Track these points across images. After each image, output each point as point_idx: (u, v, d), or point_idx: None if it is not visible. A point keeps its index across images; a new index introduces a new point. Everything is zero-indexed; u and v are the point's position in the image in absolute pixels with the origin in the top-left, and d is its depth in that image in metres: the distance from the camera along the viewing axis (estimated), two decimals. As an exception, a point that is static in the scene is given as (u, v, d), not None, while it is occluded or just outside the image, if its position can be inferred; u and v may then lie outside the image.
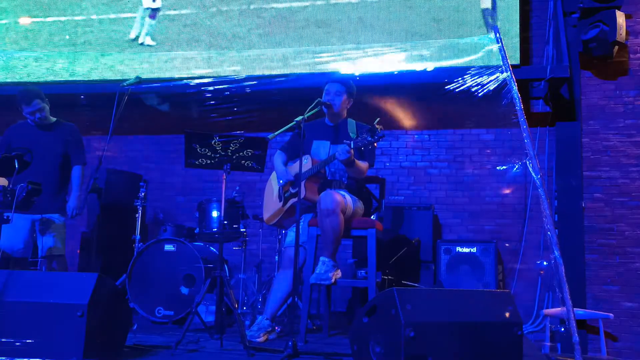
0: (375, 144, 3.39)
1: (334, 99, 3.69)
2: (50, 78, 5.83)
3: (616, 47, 4.97)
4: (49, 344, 2.51)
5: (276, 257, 4.84)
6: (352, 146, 3.33)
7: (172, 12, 5.70)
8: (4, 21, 6.04)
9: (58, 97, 5.65)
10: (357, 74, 5.15)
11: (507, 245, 5.21)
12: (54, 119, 4.22)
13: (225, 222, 4.10)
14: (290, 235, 3.70)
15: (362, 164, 3.56)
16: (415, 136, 5.61)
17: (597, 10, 4.93)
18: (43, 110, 4.11)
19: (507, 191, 5.29)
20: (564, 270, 2.51)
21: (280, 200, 3.78)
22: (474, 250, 4.76)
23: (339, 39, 5.34)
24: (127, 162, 6.08)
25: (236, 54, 5.54)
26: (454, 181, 5.46)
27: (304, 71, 5.33)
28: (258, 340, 3.38)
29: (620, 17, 4.85)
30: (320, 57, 5.33)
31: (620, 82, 5.19)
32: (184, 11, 5.69)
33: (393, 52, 5.21)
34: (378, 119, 3.29)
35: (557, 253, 2.54)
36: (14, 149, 3.93)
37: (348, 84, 3.75)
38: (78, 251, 5.45)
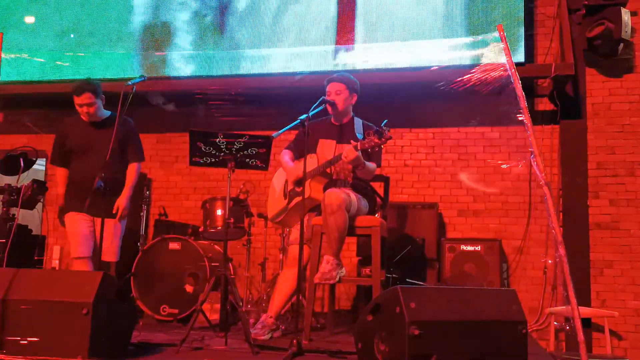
0: (382, 146, 3.38)
1: (336, 99, 3.69)
2: (56, 77, 5.85)
3: (621, 45, 4.95)
4: (54, 342, 2.52)
5: (280, 255, 4.85)
6: (358, 147, 3.33)
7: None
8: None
9: (63, 95, 5.70)
10: (360, 70, 5.15)
11: (511, 242, 5.20)
12: (108, 113, 4.04)
13: (230, 220, 4.11)
14: (295, 233, 3.70)
15: (371, 166, 3.56)
16: (420, 134, 5.60)
17: (602, 7, 4.90)
18: (92, 105, 3.90)
19: (512, 189, 5.28)
20: (568, 269, 2.51)
21: (285, 198, 3.78)
22: (478, 248, 4.75)
23: (344, 36, 5.34)
24: (132, 160, 6.10)
25: (240, 52, 5.54)
26: (458, 179, 5.45)
27: (309, 69, 5.34)
28: (262, 338, 3.39)
29: (626, 15, 4.83)
30: (326, 54, 5.34)
31: (626, 80, 5.16)
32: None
33: (398, 49, 5.20)
34: (386, 121, 3.28)
35: (561, 251, 2.53)
36: (71, 145, 3.92)
37: (347, 80, 3.74)
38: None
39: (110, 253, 3.82)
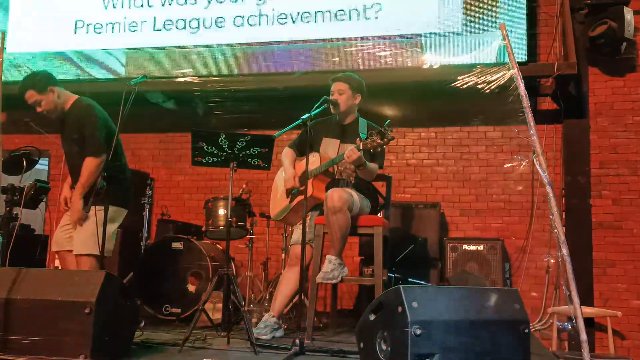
0: (384, 147, 3.38)
1: (338, 98, 3.69)
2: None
3: (624, 44, 4.94)
4: (57, 342, 2.53)
5: (283, 254, 4.85)
6: (360, 148, 3.33)
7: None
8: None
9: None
10: (362, 70, 5.15)
11: (513, 241, 5.19)
12: (72, 100, 3.61)
13: (232, 219, 4.11)
14: (297, 232, 3.70)
15: (372, 166, 3.56)
16: (422, 134, 5.60)
17: (605, 6, 4.90)
18: (40, 103, 3.50)
19: (514, 189, 5.28)
20: (571, 268, 2.50)
21: (287, 197, 3.79)
22: (480, 248, 4.74)
23: (346, 34, 5.33)
24: (134, 160, 6.11)
25: (244, 50, 5.54)
26: (460, 179, 5.45)
27: (312, 68, 5.33)
28: (265, 337, 3.39)
29: (629, 14, 4.83)
30: (328, 52, 5.33)
31: (628, 79, 5.16)
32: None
33: (400, 48, 5.20)
34: (388, 121, 3.29)
35: (564, 251, 2.53)
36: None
37: (351, 80, 3.73)
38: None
39: (77, 244, 3.45)
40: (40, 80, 3.52)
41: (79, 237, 3.46)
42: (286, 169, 3.80)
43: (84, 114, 3.55)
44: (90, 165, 3.44)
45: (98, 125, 3.51)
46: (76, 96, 3.66)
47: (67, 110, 3.60)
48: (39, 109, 3.54)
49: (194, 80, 5.46)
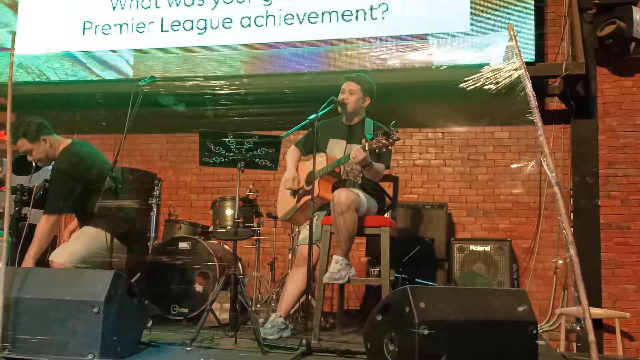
0: (390, 147, 3.38)
1: (348, 98, 3.69)
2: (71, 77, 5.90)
3: (633, 44, 4.91)
4: (65, 341, 2.54)
5: (290, 255, 4.86)
6: (366, 148, 3.33)
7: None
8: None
9: (74, 96, 5.75)
10: (370, 70, 5.14)
11: (521, 242, 5.17)
12: (62, 147, 3.49)
13: (239, 220, 4.12)
14: (304, 232, 3.71)
15: (378, 167, 3.56)
16: (429, 134, 5.59)
17: (613, 6, 4.88)
18: (31, 152, 3.42)
19: (522, 189, 5.26)
20: (579, 269, 2.49)
21: (294, 197, 3.79)
22: (488, 248, 4.73)
23: (353, 34, 5.32)
24: (142, 160, 6.14)
25: (251, 51, 5.55)
26: (467, 179, 5.44)
27: (318, 69, 5.33)
28: (271, 337, 3.40)
29: (637, 13, 4.79)
30: (335, 53, 5.33)
31: (637, 79, 5.13)
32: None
33: (407, 48, 5.19)
34: (394, 122, 3.29)
35: (572, 251, 2.52)
36: None
37: (364, 82, 3.74)
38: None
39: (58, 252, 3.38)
40: (33, 130, 3.42)
41: (65, 246, 3.44)
42: (288, 169, 3.81)
43: (54, 168, 3.42)
44: (42, 225, 3.32)
45: (72, 178, 3.37)
46: (67, 142, 3.54)
47: (59, 154, 3.50)
48: (30, 158, 3.47)
49: (202, 83, 5.47)
